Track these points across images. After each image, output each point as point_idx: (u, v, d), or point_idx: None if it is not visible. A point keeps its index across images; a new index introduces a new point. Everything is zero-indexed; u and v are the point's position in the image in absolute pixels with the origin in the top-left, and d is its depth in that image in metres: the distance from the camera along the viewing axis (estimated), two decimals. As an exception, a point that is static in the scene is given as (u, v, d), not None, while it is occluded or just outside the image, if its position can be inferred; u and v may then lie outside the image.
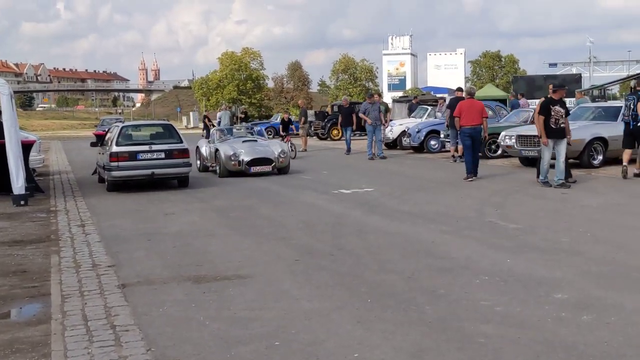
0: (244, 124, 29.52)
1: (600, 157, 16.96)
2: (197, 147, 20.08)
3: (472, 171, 15.35)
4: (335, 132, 37.45)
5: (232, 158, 17.60)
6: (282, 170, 18.20)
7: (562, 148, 13.36)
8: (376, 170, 18.94)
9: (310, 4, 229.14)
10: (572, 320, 5.47)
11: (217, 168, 18.11)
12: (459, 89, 21.11)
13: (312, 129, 38.36)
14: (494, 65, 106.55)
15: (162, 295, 6.68)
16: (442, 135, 23.01)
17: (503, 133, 18.59)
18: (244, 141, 18.72)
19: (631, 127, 14.85)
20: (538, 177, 13.85)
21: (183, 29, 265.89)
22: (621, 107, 16.95)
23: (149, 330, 5.60)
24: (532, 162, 17.62)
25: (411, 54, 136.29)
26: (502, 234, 9.19)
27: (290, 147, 22.58)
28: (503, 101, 37.90)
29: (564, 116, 13.30)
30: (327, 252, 8.44)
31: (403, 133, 25.66)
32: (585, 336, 5.11)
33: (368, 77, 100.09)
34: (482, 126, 15.52)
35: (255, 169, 17.61)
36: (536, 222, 10.05)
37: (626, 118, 15.11)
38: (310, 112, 42.44)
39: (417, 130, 24.68)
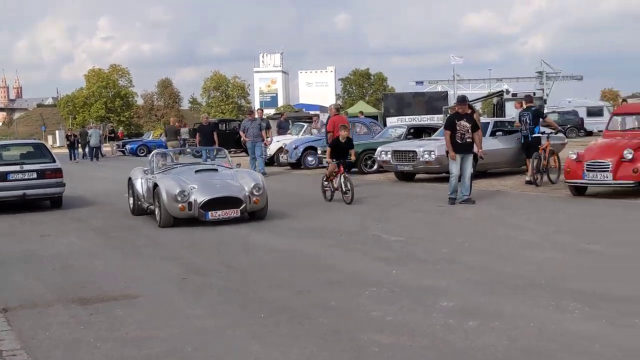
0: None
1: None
2: (130, 178, 13.87)
3: None
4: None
5: (179, 198, 11.47)
6: (256, 214, 12.14)
7: (468, 163, 13.22)
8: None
9: (180, 20, 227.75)
10: (459, 327, 5.71)
11: (157, 212, 12.05)
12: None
13: (187, 146, 37.96)
14: (363, 82, 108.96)
15: (47, 318, 6.47)
16: (319, 152, 23.32)
17: (379, 149, 19.08)
18: (197, 171, 12.67)
19: (530, 139, 16.24)
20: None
21: (47, 46, 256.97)
22: (489, 122, 18.19)
23: (37, 354, 5.43)
24: (407, 176, 18.20)
25: (282, 72, 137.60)
26: (385, 247, 9.44)
27: None
28: (375, 118, 38.91)
29: (470, 131, 13.35)
30: (215, 269, 8.42)
31: (280, 149, 25.84)
32: (472, 341, 5.35)
33: (240, 95, 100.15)
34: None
35: (214, 214, 11.52)
36: (417, 234, 10.39)
37: (524, 132, 16.45)
38: (184, 130, 41.89)
39: (294, 146, 24.91)
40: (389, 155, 18.25)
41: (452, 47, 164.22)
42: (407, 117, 41.64)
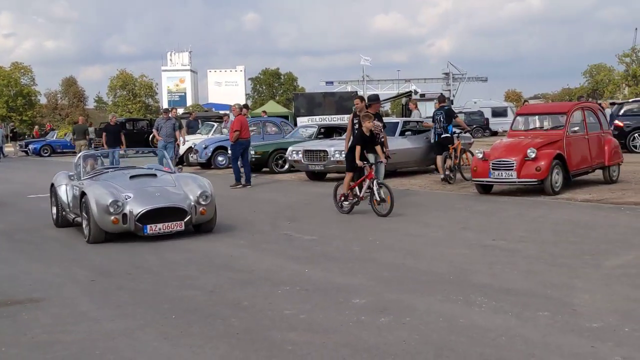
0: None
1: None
2: (52, 185, 12.02)
3: (239, 179, 17.64)
4: (118, 149, 36.53)
5: (112, 209, 9.81)
6: (202, 226, 10.63)
7: (381, 164, 12.94)
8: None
9: (85, 17, 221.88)
10: (372, 323, 5.77)
11: (85, 225, 10.26)
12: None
13: (93, 146, 37.12)
14: (273, 82, 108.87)
15: (-53, 324, 6.19)
16: (229, 151, 23.14)
17: (290, 148, 19.12)
18: (132, 176, 10.91)
19: (442, 137, 16.82)
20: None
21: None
22: (398, 122, 18.60)
23: (-63, 362, 5.18)
24: (318, 175, 18.30)
25: (191, 71, 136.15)
26: (298, 246, 9.47)
27: None
28: (285, 117, 38.97)
29: (382, 130, 13.52)
30: (123, 270, 8.27)
31: (190, 149, 25.55)
32: (385, 337, 5.41)
33: (148, 94, 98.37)
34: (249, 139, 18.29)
35: (154, 228, 9.88)
36: (328, 232, 10.46)
37: (439, 130, 16.99)
38: (90, 129, 40.96)
39: (204, 146, 24.68)
40: (300, 155, 18.32)
41: (361, 48, 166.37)
42: (317, 117, 41.91)
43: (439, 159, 16.80)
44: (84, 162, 11.61)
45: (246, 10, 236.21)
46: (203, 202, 10.30)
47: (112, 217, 9.77)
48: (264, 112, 35.88)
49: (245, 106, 22.15)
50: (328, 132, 23.18)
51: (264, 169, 21.88)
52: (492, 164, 13.54)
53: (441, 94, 19.09)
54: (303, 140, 21.32)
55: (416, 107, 20.59)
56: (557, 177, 13.51)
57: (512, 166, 13.31)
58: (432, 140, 17.52)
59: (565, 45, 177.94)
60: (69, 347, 5.48)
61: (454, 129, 17.02)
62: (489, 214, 11.88)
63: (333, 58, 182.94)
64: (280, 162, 21.46)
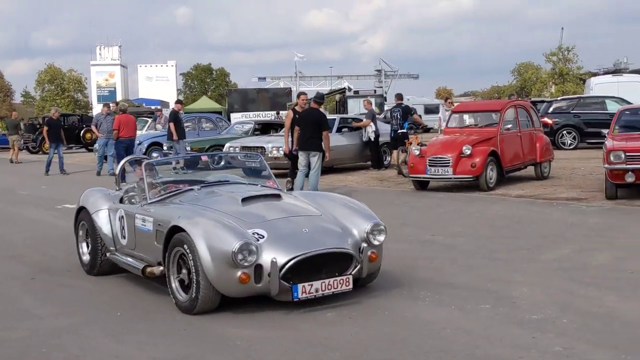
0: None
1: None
2: (82, 210, 8.06)
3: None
4: (47, 145, 35.68)
5: (239, 258, 5.81)
6: (369, 277, 6.67)
7: (315, 160, 12.91)
8: (106, 184, 18.29)
9: (11, 10, 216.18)
10: (320, 317, 5.83)
11: (176, 285, 6.35)
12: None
13: (22, 141, 36.30)
14: (205, 78, 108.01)
15: None
16: (165, 148, 22.90)
17: (227, 145, 19.04)
18: (245, 198, 6.80)
19: (399, 133, 17.65)
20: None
21: None
22: (334, 119, 18.86)
23: None
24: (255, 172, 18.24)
25: (121, 65, 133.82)
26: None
27: None
28: (219, 113, 38.77)
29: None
30: (64, 268, 8.14)
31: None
32: (333, 331, 5.47)
33: (77, 88, 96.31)
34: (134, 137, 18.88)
35: (309, 289, 6.00)
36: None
37: (395, 127, 17.89)
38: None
39: (138, 142, 24.30)
40: (238, 151, 18.24)
41: (294, 44, 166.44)
42: (251, 113, 41.85)
43: (395, 153, 17.71)
44: (147, 173, 7.29)
45: (177, 4, 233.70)
46: (376, 241, 6.51)
47: (239, 273, 5.81)
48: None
49: (179, 102, 21.99)
50: (265, 128, 23.17)
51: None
52: (429, 160, 13.78)
53: (398, 92, 19.43)
54: (239, 136, 21.27)
55: (370, 105, 20.81)
56: (492, 174, 13.85)
57: (448, 163, 13.57)
58: (391, 136, 18.27)
59: (494, 44, 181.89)
60: (15, 345, 5.41)
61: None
62: (427, 209, 12.09)
63: (265, 54, 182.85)
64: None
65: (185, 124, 21.66)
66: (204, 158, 8.37)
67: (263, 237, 6.07)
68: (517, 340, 5.18)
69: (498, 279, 6.96)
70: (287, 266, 5.91)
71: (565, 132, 24.34)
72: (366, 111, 20.09)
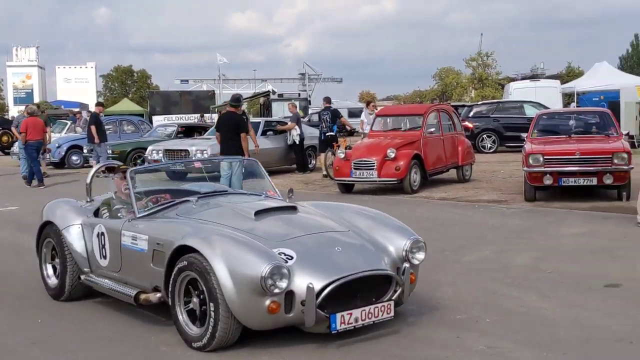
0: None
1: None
2: (47, 225, 7.00)
3: (41, 179, 17.83)
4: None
5: (269, 284, 4.86)
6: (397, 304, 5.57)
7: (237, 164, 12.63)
8: (20, 188, 17.81)
9: None
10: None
11: (183, 319, 5.36)
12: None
13: None
14: (126, 80, 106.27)
15: None
16: (85, 151, 22.42)
17: (150, 148, 18.79)
18: (258, 212, 5.86)
19: (328, 135, 18.02)
20: None
21: None
22: (259, 122, 18.97)
23: None
24: (179, 175, 18.02)
25: (38, 66, 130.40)
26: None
27: None
28: (141, 116, 38.19)
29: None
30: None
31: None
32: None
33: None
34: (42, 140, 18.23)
35: (348, 319, 5.11)
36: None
37: (324, 129, 18.17)
38: None
39: (57, 145, 23.75)
40: (161, 154, 18.06)
41: (217, 46, 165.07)
42: (174, 116, 41.39)
43: (323, 156, 17.99)
44: (133, 183, 6.34)
45: (97, 5, 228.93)
46: (415, 260, 5.72)
47: (268, 302, 4.91)
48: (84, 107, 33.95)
49: (100, 104, 21.57)
50: (188, 131, 22.95)
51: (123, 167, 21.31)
52: (354, 163, 13.89)
53: (327, 96, 19.57)
54: (162, 139, 21.01)
55: (295, 108, 20.81)
56: (416, 177, 14.06)
57: (373, 166, 13.71)
58: (320, 139, 18.53)
59: (416, 48, 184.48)
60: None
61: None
62: (352, 212, 12.15)
63: (188, 56, 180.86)
64: (139, 161, 21.03)
65: (106, 127, 21.30)
66: (198, 165, 7.48)
67: (292, 258, 5.13)
68: (442, 340, 5.27)
69: (423, 280, 7.01)
70: (324, 292, 4.98)
71: (485, 135, 24.90)
72: (291, 114, 20.12)
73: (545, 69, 58.43)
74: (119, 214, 6.42)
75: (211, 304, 4.99)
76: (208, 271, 4.97)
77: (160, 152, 18.10)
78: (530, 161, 11.95)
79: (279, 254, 5.12)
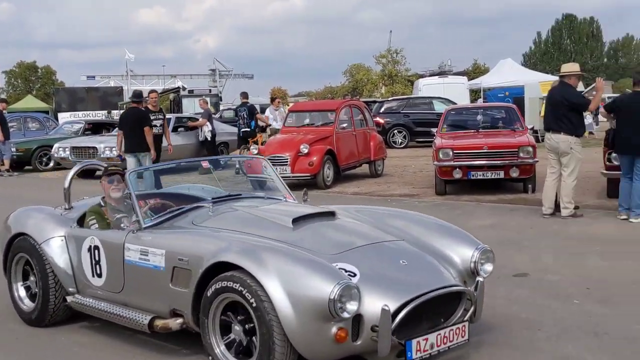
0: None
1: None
2: (15, 238, 6.07)
3: None
4: None
5: (337, 307, 4.06)
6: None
7: (147, 161, 12.75)
8: None
9: None
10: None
11: (220, 351, 4.55)
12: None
13: None
14: (30, 76, 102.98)
15: None
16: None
17: (56, 145, 18.32)
18: (296, 219, 5.07)
19: (247, 131, 18.14)
20: None
21: None
22: (170, 118, 18.72)
23: None
24: (88, 173, 17.63)
25: None
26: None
27: None
28: (46, 112, 37.08)
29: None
30: None
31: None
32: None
33: None
34: None
35: (424, 345, 4.36)
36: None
37: (242, 126, 18.23)
38: None
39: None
40: (68, 152, 17.63)
41: (124, 42, 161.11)
42: (80, 113, 40.35)
43: (238, 152, 17.89)
44: (135, 188, 5.52)
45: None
46: (483, 272, 5.00)
47: (335, 329, 4.15)
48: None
49: (3, 100, 20.86)
50: (96, 128, 22.44)
51: (27, 167, 20.72)
52: (267, 159, 13.84)
53: (244, 91, 19.53)
54: (69, 136, 20.49)
55: (207, 104, 20.59)
56: (329, 172, 14.17)
57: (286, 161, 13.72)
58: (239, 135, 18.63)
59: (326, 45, 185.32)
60: None
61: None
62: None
63: (94, 52, 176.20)
64: (44, 159, 20.44)
65: (10, 124, 20.60)
66: (206, 165, 6.20)
67: (354, 275, 4.37)
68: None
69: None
70: (400, 315, 4.21)
71: (396, 131, 25.26)
72: (202, 110, 19.93)
73: (452, 66, 59.69)
74: (121, 224, 5.41)
75: (263, 334, 4.17)
76: (258, 294, 4.15)
77: (67, 149, 17.68)
78: (440, 156, 12.18)
79: (343, 269, 4.38)
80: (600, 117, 22.84)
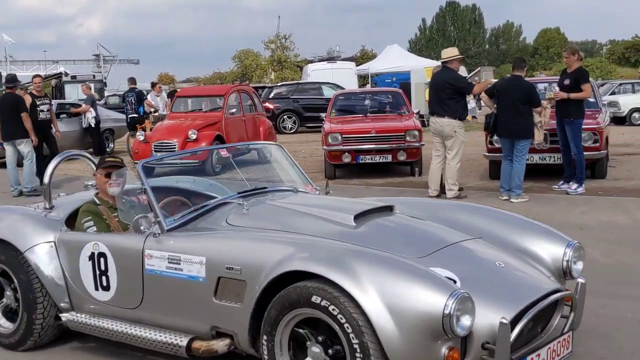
0: None
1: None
2: (3, 244, 4.95)
3: None
4: None
5: (453, 322, 3.31)
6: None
7: (23, 149, 12.25)
8: None
9: None
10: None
11: None
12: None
13: None
14: None
15: None
16: None
17: None
18: (358, 215, 4.30)
19: (135, 117, 17.70)
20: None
21: None
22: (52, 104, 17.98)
23: None
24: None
25: None
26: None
27: None
28: None
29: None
30: None
31: None
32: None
33: None
34: None
35: None
36: None
37: (130, 112, 17.90)
38: None
39: None
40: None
41: (2, 26, 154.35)
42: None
43: (127, 138, 17.88)
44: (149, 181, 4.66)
45: None
46: (575, 272, 4.32)
47: (445, 349, 3.42)
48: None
49: None
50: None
51: None
52: (154, 145, 13.58)
53: (132, 77, 18.95)
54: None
55: (90, 90, 19.90)
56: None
57: (174, 148, 13.48)
58: (127, 121, 18.19)
59: (215, 30, 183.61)
60: None
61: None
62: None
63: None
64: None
65: None
66: (225, 153, 5.44)
67: (455, 282, 3.65)
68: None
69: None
70: (517, 328, 3.53)
71: (286, 116, 25.29)
72: (85, 97, 19.30)
73: (341, 52, 60.37)
74: (141, 227, 4.30)
75: (356, 358, 3.42)
76: (349, 310, 3.42)
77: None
78: (330, 140, 12.27)
79: (453, 282, 3.64)
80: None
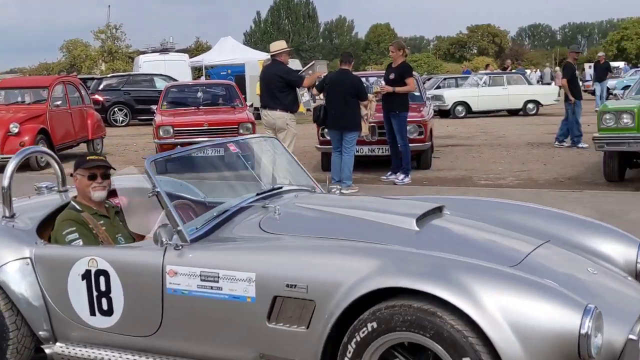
0: None
1: None
2: None
3: None
4: None
5: (592, 346, 2.83)
6: None
7: None
8: None
9: None
10: None
11: None
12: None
13: None
14: None
15: None
16: None
17: None
18: (420, 217, 3.77)
19: None
20: None
21: None
22: None
23: None
24: None
25: None
26: None
27: None
28: None
29: None
30: None
31: None
32: None
33: None
34: None
35: None
36: None
37: None
38: None
39: None
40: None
41: None
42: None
43: None
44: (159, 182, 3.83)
45: None
46: None
47: None
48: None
49: None
50: None
51: None
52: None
53: (12, 69, 17.74)
54: None
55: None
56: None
57: (-8, 142, 12.80)
58: None
59: (39, 20, 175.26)
60: None
61: None
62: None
63: None
64: None
65: None
66: (234, 148, 4.56)
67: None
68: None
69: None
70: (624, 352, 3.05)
71: (116, 109, 24.62)
72: None
73: (174, 43, 59.24)
74: (163, 239, 3.54)
75: None
76: (461, 334, 2.88)
77: None
78: (161, 133, 12.07)
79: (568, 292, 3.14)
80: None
